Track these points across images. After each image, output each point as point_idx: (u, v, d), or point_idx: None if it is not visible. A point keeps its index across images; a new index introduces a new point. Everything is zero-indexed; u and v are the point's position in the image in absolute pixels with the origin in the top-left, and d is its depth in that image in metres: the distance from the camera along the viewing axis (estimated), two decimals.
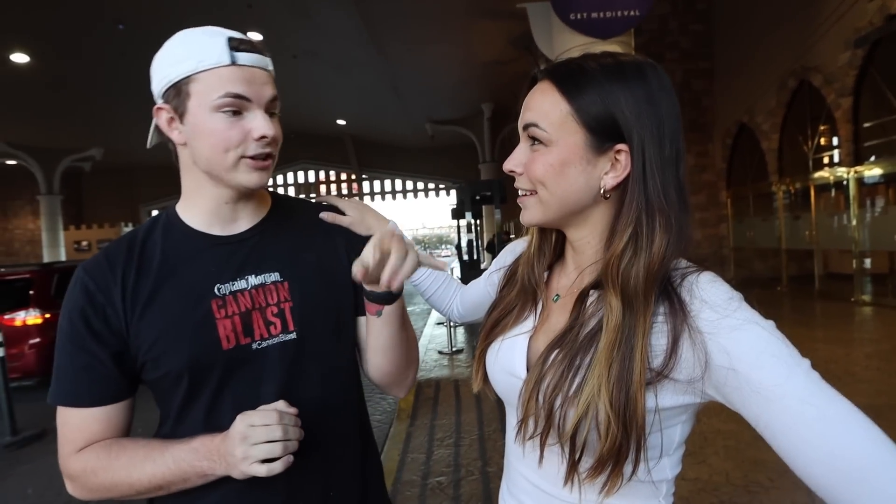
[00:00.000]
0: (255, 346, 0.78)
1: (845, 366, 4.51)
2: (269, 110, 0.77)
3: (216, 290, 0.78)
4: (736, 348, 0.53)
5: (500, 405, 4.50)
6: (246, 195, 0.82)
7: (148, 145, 0.84)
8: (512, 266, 0.79)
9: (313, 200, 0.98)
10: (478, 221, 12.27)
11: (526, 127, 0.65)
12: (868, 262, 7.61)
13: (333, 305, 0.85)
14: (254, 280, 0.81)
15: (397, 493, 2.87)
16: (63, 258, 16.66)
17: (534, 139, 0.64)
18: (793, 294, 8.88)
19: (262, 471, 0.67)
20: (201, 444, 0.72)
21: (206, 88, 0.73)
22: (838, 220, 8.14)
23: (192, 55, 0.73)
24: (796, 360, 0.53)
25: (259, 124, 0.75)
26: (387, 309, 0.78)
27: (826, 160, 8.57)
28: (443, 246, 57.36)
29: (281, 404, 0.70)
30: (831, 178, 8.18)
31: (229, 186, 0.79)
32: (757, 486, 2.63)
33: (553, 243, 0.74)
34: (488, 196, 9.25)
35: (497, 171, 15.38)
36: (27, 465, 3.77)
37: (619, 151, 0.62)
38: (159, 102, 0.78)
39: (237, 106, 0.74)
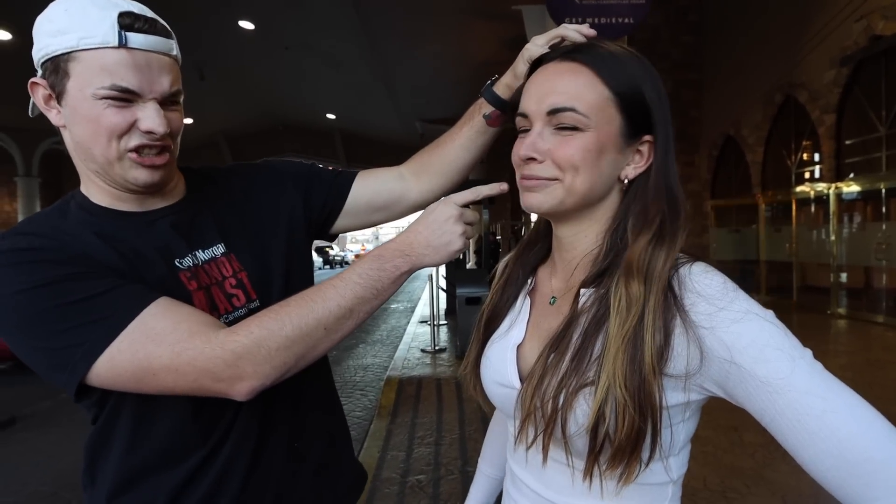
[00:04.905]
0: (223, 319, 0.74)
1: None
2: (167, 103, 0.67)
3: (178, 264, 0.73)
4: (737, 342, 0.51)
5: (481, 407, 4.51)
6: (144, 192, 0.72)
7: (30, 114, 0.74)
8: (505, 270, 0.78)
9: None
10: None
11: (555, 111, 0.59)
12: (844, 277, 7.79)
13: (285, 262, 0.82)
14: (202, 255, 0.76)
15: (376, 490, 2.84)
16: None
17: (562, 124, 0.59)
18: (771, 305, 9.02)
19: (465, 243, 0.71)
20: (383, 249, 0.70)
21: (87, 72, 0.62)
22: (817, 234, 8.30)
23: (74, 27, 0.62)
24: (799, 351, 0.51)
25: (148, 115, 0.64)
26: (490, 120, 0.91)
27: (808, 175, 8.74)
28: None
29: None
30: (812, 192, 8.35)
31: (116, 183, 0.68)
32: (734, 493, 2.66)
33: (538, 244, 0.74)
34: None
35: (486, 172, 15.38)
36: None
37: (643, 142, 0.62)
38: (37, 75, 0.68)
39: (123, 98, 0.64)
